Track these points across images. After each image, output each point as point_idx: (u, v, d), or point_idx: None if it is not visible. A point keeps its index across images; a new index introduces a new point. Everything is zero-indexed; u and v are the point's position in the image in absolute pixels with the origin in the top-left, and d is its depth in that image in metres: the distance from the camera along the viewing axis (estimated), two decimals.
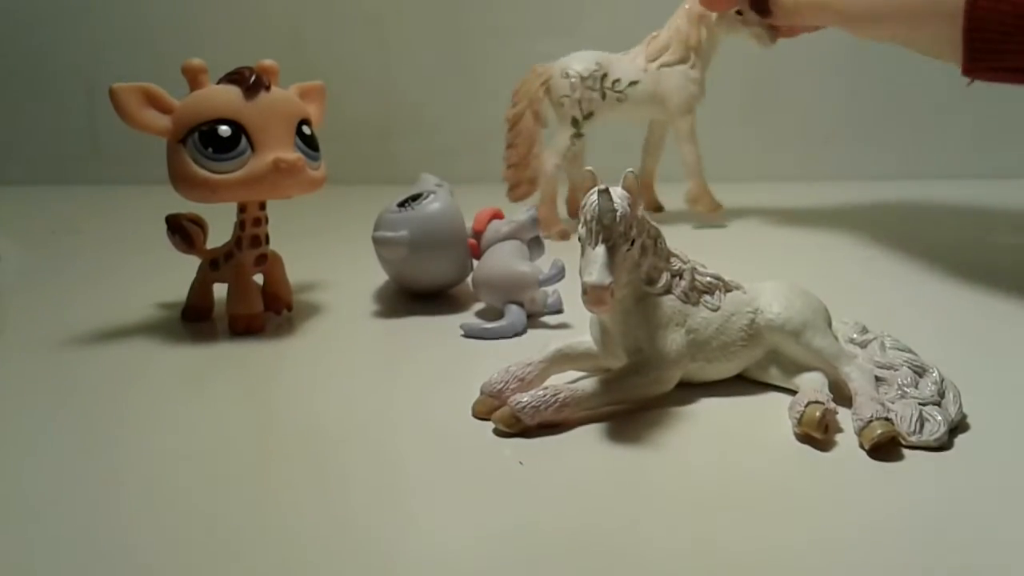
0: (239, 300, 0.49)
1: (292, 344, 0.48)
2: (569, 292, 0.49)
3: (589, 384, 0.36)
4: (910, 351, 0.38)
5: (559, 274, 0.50)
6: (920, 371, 0.37)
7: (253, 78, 0.46)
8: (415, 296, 0.56)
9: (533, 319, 0.51)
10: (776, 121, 1.20)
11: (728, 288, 0.39)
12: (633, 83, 0.72)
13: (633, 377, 0.36)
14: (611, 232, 0.34)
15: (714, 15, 0.72)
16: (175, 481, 0.32)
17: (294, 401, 0.40)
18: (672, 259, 0.38)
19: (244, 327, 0.49)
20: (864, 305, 0.51)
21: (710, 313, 0.38)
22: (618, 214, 0.34)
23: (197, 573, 0.26)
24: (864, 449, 0.33)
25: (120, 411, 0.39)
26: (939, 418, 0.33)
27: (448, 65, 1.21)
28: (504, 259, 0.51)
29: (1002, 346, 0.46)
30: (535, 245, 0.54)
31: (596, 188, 0.35)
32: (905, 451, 0.33)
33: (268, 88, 0.47)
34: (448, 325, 0.51)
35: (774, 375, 0.39)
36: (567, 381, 0.37)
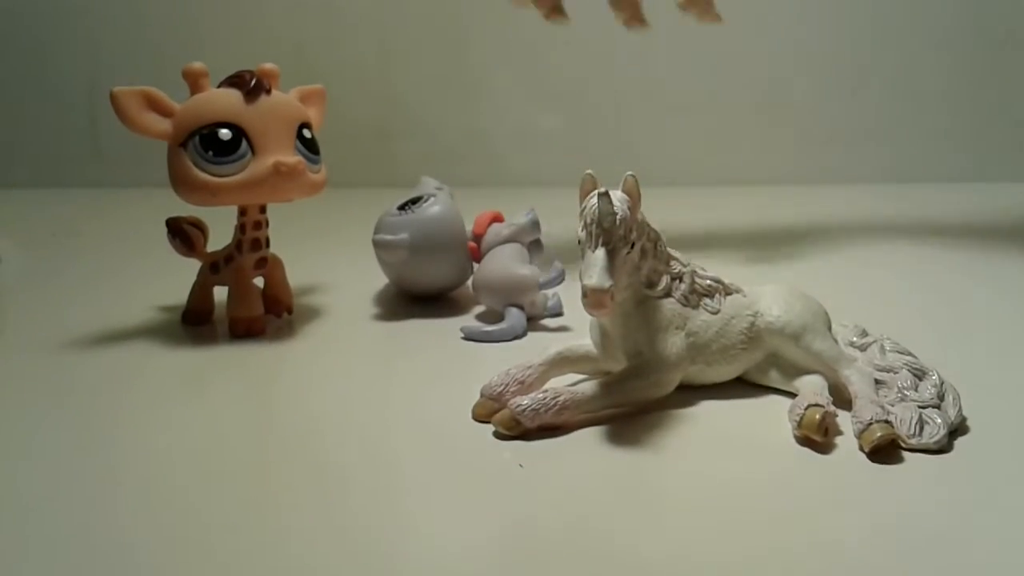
0: (239, 303, 0.49)
1: (293, 347, 0.48)
2: (569, 295, 0.49)
3: (589, 387, 0.36)
4: (910, 354, 0.38)
5: (559, 277, 0.50)
6: (920, 374, 0.37)
7: (254, 82, 0.46)
8: (415, 299, 0.56)
9: (533, 322, 0.51)
10: (776, 124, 1.20)
11: (728, 291, 0.40)
12: None
13: (633, 380, 0.37)
14: (611, 235, 0.34)
15: None
16: (174, 481, 0.32)
17: (294, 403, 0.40)
18: (672, 262, 0.38)
19: (244, 330, 0.49)
20: (863, 308, 0.51)
21: (710, 316, 0.38)
22: (618, 217, 0.34)
23: (197, 573, 0.26)
24: (864, 452, 0.33)
25: (120, 413, 0.39)
26: (939, 421, 0.33)
27: (448, 68, 1.21)
28: (504, 262, 0.51)
29: (1001, 349, 0.46)
30: (535, 248, 0.54)
31: (596, 191, 0.35)
32: (905, 454, 0.33)
33: (268, 92, 0.47)
34: (448, 328, 0.51)
35: (774, 378, 0.39)
36: (567, 384, 0.37)
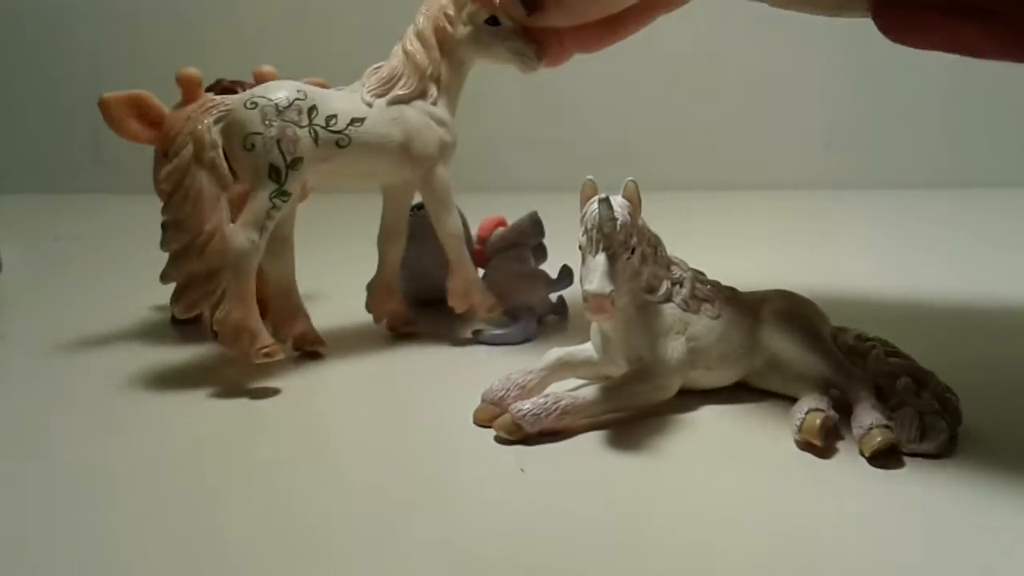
0: None
1: (293, 350, 0.48)
2: (573, 298, 0.49)
3: (590, 392, 0.36)
4: (910, 359, 0.38)
5: (567, 280, 0.50)
6: (920, 379, 0.37)
7: (238, 91, 0.47)
8: (417, 303, 0.56)
9: (539, 325, 0.51)
10: (775, 129, 1.20)
11: (728, 296, 0.40)
12: (357, 121, 0.44)
13: (634, 384, 0.37)
14: (611, 241, 0.34)
15: (458, 30, 0.46)
16: (172, 481, 0.32)
17: (295, 405, 0.40)
18: (672, 267, 0.38)
19: None
20: (864, 313, 0.51)
21: (710, 321, 0.38)
22: (618, 223, 0.34)
23: (198, 571, 0.26)
24: (864, 457, 0.33)
25: (119, 414, 0.39)
26: (939, 426, 0.33)
27: None
28: (510, 266, 0.52)
29: (1001, 354, 0.46)
30: (539, 251, 0.55)
31: (597, 197, 0.35)
32: (905, 459, 0.33)
33: None
34: (449, 332, 0.51)
35: (774, 382, 0.39)
36: (568, 389, 0.37)
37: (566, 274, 0.52)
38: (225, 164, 0.42)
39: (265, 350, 0.41)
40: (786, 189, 1.14)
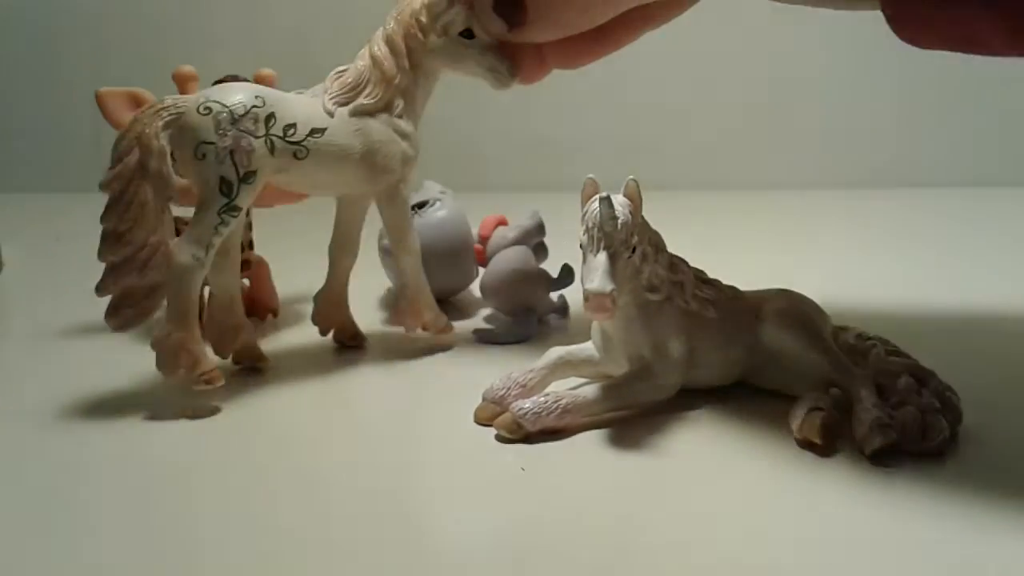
0: None
1: (296, 348, 0.48)
2: (574, 297, 0.49)
3: (591, 390, 0.36)
4: (911, 358, 0.38)
5: (568, 278, 0.50)
6: (921, 378, 0.37)
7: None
8: None
9: (540, 324, 0.51)
10: (776, 128, 1.20)
11: (729, 295, 0.40)
12: (317, 131, 0.41)
13: (635, 383, 0.37)
14: (613, 239, 0.34)
15: (430, 40, 0.43)
16: (170, 481, 0.32)
17: (295, 400, 0.40)
18: (673, 266, 0.38)
19: None
20: (864, 312, 0.51)
21: (711, 320, 0.38)
22: (619, 221, 0.34)
23: (198, 570, 0.26)
24: (865, 455, 0.33)
25: (120, 411, 0.39)
26: (940, 425, 0.33)
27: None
28: (512, 264, 0.52)
29: (1002, 353, 0.46)
30: (540, 250, 0.55)
31: (598, 196, 0.35)
32: (906, 457, 0.33)
33: None
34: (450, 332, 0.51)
35: (775, 381, 0.39)
36: (569, 387, 0.37)
37: (567, 273, 0.52)
38: (172, 174, 0.39)
39: (205, 376, 0.38)
40: (786, 188, 1.14)
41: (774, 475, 0.32)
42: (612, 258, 0.34)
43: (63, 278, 0.71)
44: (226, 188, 0.38)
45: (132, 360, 0.47)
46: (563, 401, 0.35)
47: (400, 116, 0.43)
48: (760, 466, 0.33)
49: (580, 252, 0.36)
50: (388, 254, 0.52)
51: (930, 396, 0.35)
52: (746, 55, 1.16)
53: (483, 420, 0.37)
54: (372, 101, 0.42)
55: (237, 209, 0.39)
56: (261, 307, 0.53)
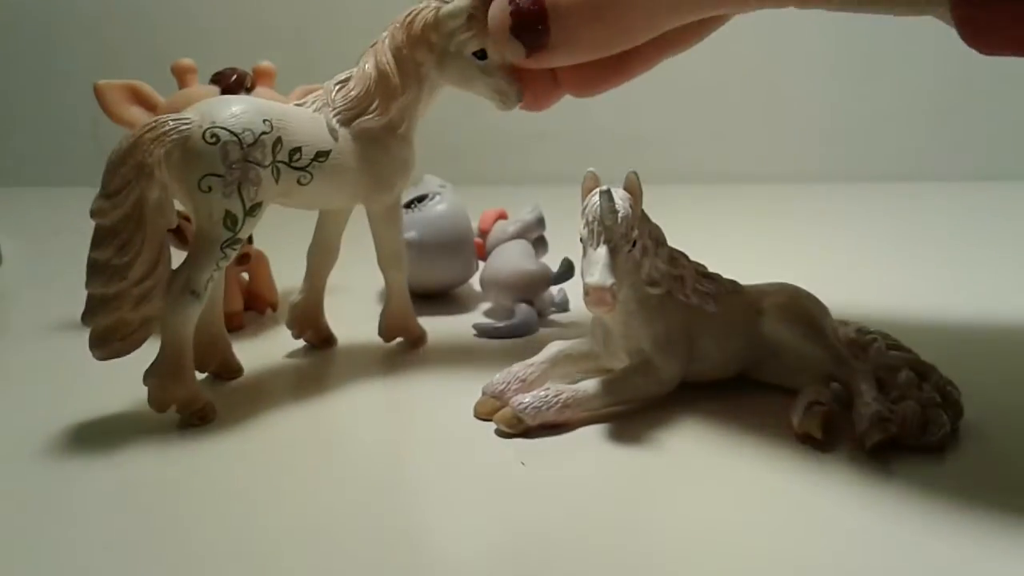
0: None
1: (295, 344, 0.48)
2: (575, 291, 0.49)
3: (591, 385, 0.36)
4: (911, 352, 0.38)
5: (568, 272, 0.50)
6: (921, 372, 0.37)
7: (233, 78, 0.46)
8: (418, 296, 0.56)
9: (540, 318, 0.51)
10: (778, 121, 1.20)
11: (730, 289, 0.40)
12: (322, 155, 0.39)
13: (635, 377, 0.37)
14: (613, 233, 0.34)
15: (441, 57, 0.41)
16: (168, 482, 0.32)
17: (295, 394, 0.40)
18: (674, 260, 0.38)
19: None
20: (865, 306, 0.51)
21: (711, 314, 0.38)
22: (620, 215, 0.34)
23: (198, 569, 0.26)
24: (865, 450, 0.33)
25: (120, 409, 0.39)
26: (940, 419, 0.33)
27: None
28: (513, 259, 0.52)
29: (1003, 348, 0.46)
30: (540, 244, 0.55)
31: (598, 189, 0.35)
32: (906, 452, 0.33)
33: (249, 89, 0.47)
34: (450, 325, 0.51)
35: (775, 375, 0.39)
36: (569, 382, 0.37)
37: (567, 267, 0.52)
38: (173, 207, 0.36)
39: (199, 413, 0.37)
40: (788, 182, 1.14)
41: (774, 469, 0.32)
42: (612, 252, 0.34)
43: (62, 272, 0.71)
44: (231, 222, 0.36)
45: (131, 355, 0.47)
46: (563, 395, 0.35)
47: (403, 131, 0.42)
48: (760, 460, 0.33)
49: (580, 246, 0.35)
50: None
51: (931, 390, 0.35)
52: (748, 48, 1.16)
53: (483, 415, 0.37)
54: (378, 120, 0.40)
55: (239, 242, 0.37)
56: (260, 301, 0.53)
